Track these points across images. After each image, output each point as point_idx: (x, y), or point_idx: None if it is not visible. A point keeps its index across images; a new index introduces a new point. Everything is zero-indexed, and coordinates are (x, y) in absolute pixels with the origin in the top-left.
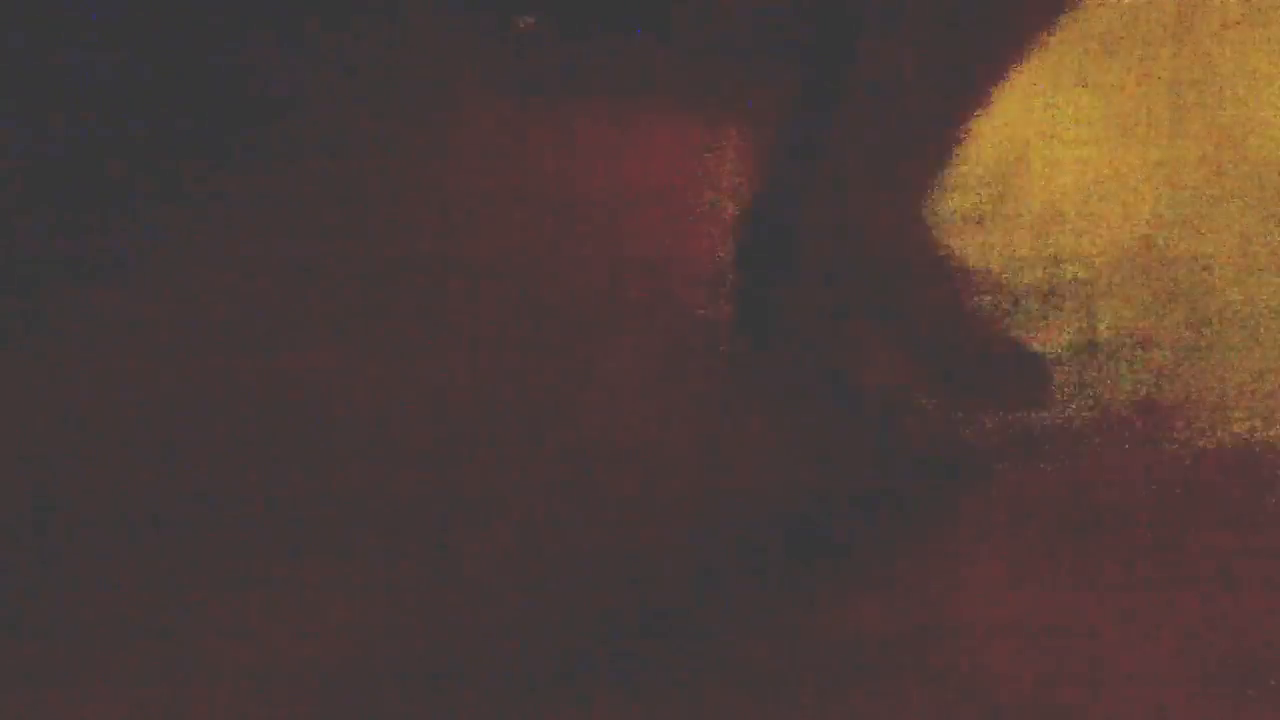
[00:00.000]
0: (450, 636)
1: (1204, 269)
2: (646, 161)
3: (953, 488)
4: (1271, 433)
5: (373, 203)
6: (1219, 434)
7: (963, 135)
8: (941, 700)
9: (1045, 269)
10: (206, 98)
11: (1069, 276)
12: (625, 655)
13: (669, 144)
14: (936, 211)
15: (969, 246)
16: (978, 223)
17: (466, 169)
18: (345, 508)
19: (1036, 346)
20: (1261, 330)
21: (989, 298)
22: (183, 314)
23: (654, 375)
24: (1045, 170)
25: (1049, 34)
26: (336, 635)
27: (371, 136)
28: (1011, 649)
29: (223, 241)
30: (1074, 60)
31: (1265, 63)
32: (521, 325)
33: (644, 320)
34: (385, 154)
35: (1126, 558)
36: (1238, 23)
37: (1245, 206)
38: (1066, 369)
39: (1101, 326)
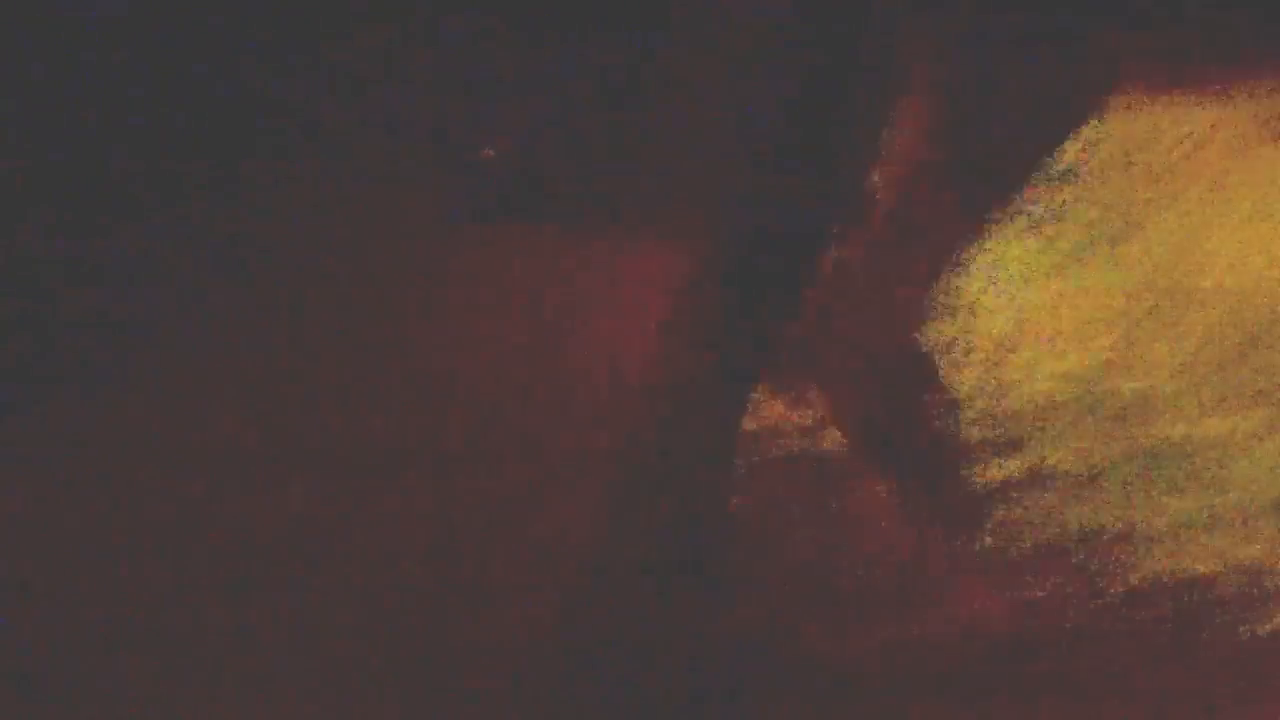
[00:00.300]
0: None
1: (1146, 404)
2: (607, 287)
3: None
4: (1202, 568)
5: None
6: (1155, 567)
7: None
8: None
9: (993, 399)
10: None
11: (1016, 408)
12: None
13: (627, 269)
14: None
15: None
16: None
17: (430, 292)
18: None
19: (982, 475)
20: (1199, 465)
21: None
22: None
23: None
24: (993, 303)
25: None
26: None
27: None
28: None
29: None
30: None
31: (1203, 199)
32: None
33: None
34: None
35: (1063, 686)
36: (1180, 160)
37: (1185, 339)
38: (1014, 497)
39: (1049, 458)
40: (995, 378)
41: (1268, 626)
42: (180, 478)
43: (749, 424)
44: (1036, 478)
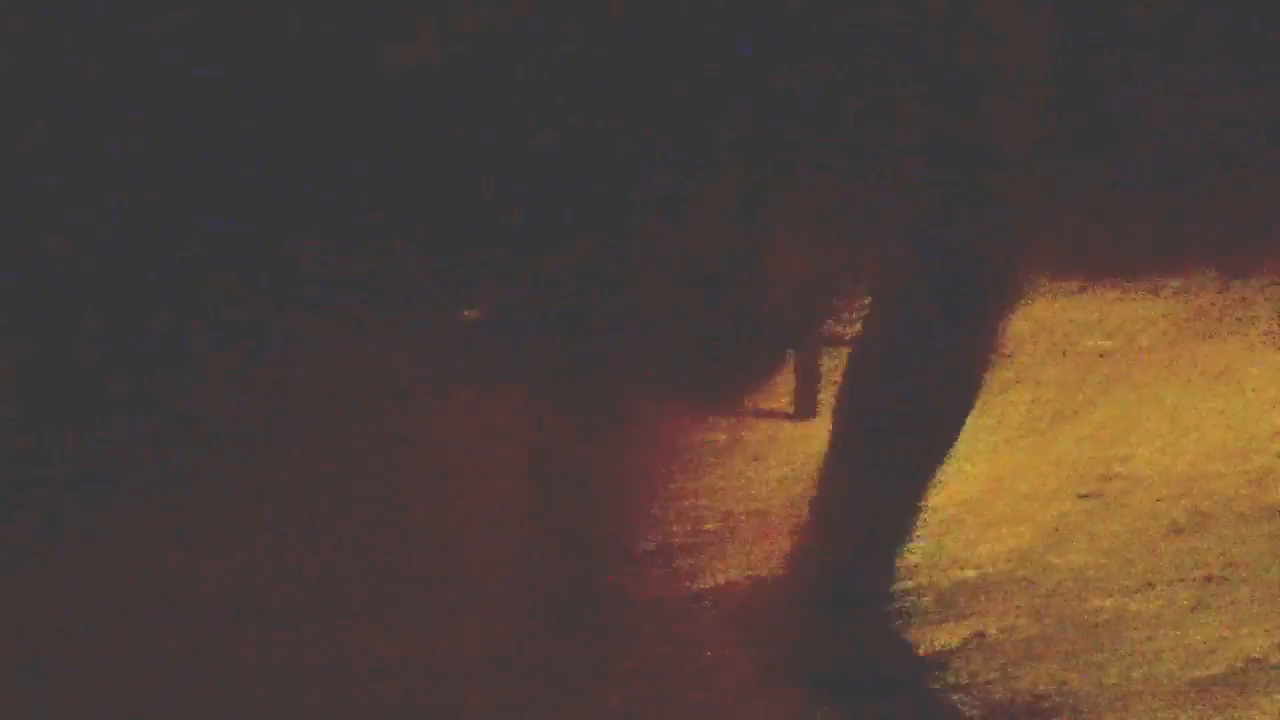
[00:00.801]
0: None
1: (1080, 579)
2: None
3: None
4: None
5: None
6: None
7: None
8: None
9: (937, 572)
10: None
11: (959, 580)
12: None
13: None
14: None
15: None
16: None
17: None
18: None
19: (926, 644)
20: (1129, 639)
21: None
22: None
23: None
24: (943, 478)
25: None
26: None
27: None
28: None
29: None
30: None
31: (1137, 387)
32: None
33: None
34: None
35: None
36: (1116, 349)
37: (1116, 519)
38: (957, 664)
39: (989, 628)
40: (939, 551)
41: None
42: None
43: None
44: (979, 646)
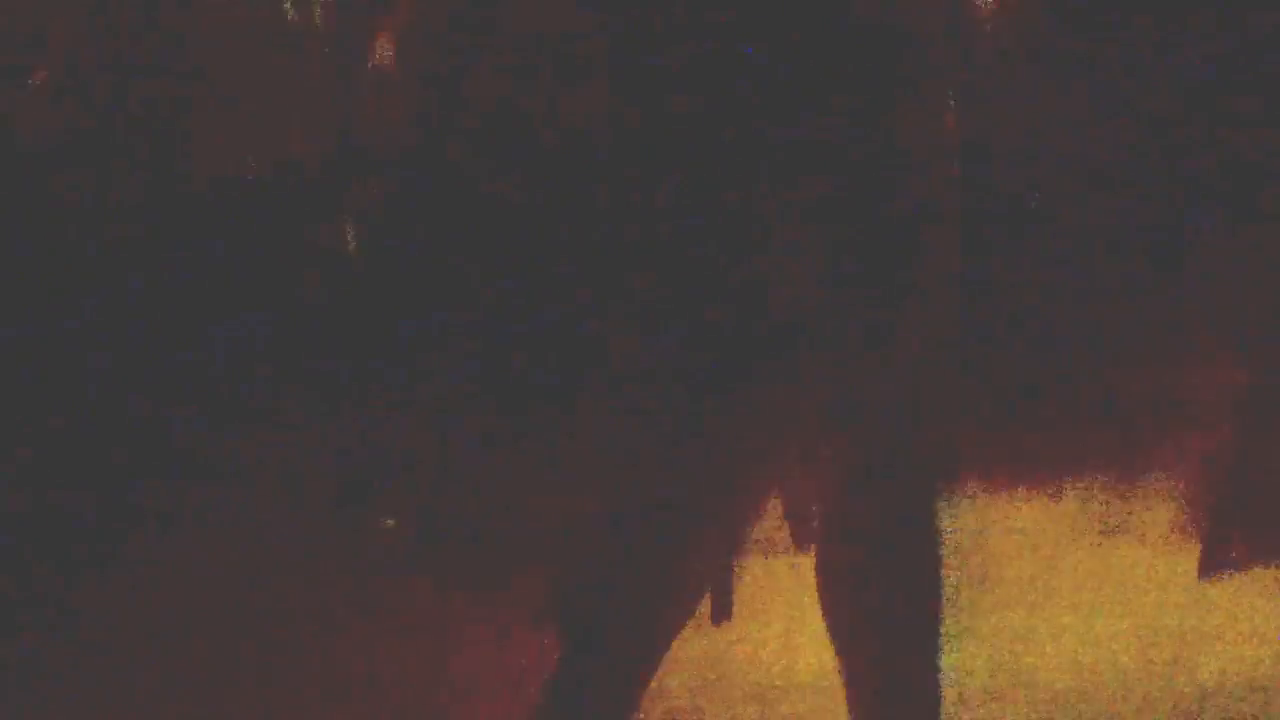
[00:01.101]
0: None
1: None
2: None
3: None
4: None
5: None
6: None
7: None
8: None
9: None
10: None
11: None
12: None
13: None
14: None
15: None
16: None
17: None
18: None
19: None
20: None
21: None
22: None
23: None
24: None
25: None
26: None
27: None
28: None
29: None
30: None
31: (1045, 583)
32: None
33: None
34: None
35: None
36: (1013, 550)
37: (1024, 716)
38: None
39: None
40: None
41: None
42: None
43: None
44: None
